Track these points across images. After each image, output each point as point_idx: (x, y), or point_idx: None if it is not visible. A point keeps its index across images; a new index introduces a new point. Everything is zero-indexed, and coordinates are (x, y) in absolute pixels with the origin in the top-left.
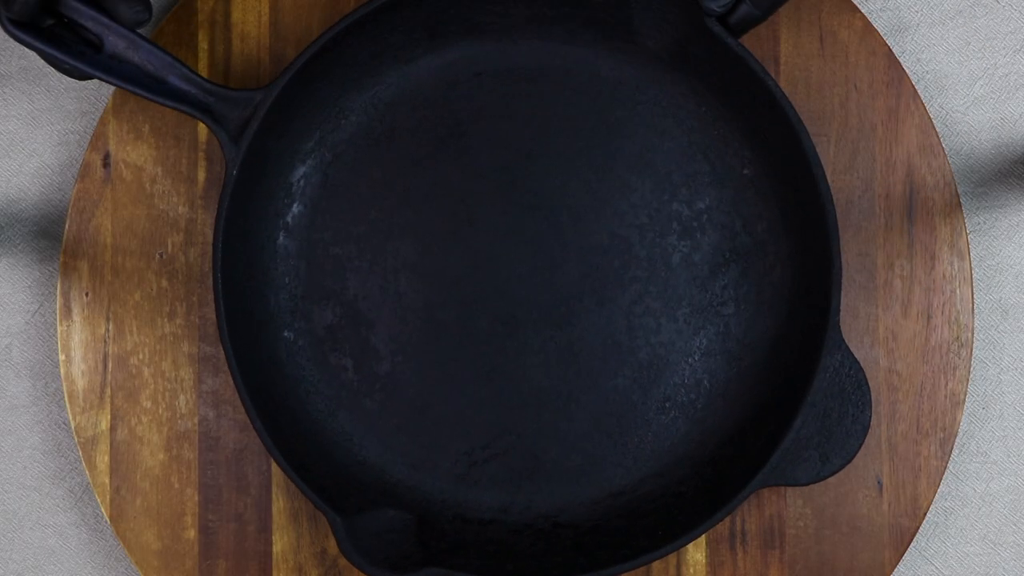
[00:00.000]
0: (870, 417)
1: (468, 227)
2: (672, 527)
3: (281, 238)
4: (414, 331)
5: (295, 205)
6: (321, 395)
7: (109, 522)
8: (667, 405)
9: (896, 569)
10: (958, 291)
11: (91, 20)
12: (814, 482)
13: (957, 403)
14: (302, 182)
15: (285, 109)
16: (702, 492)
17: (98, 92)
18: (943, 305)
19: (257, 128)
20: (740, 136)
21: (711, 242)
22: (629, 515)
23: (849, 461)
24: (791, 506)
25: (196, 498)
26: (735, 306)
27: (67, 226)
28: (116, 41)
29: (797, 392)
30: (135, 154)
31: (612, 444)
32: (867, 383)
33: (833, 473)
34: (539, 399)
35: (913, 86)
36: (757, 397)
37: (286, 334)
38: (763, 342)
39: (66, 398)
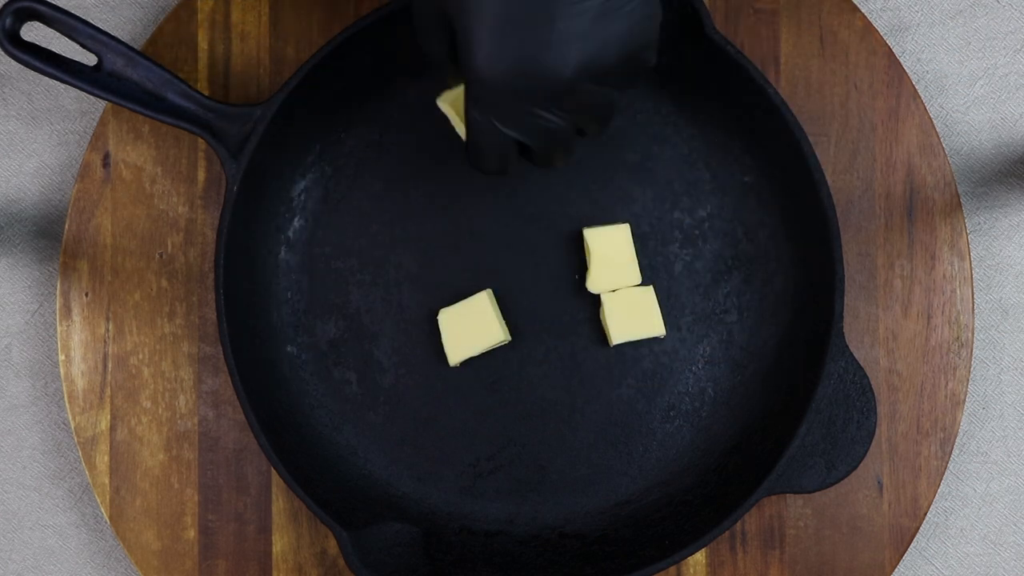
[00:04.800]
0: (875, 423)
1: (469, 239)
2: (679, 536)
3: (283, 253)
4: (417, 343)
5: (296, 219)
6: (326, 409)
7: (109, 522)
8: (671, 414)
9: (896, 569)
10: (958, 291)
11: (89, 37)
12: (820, 489)
13: (957, 403)
14: (303, 196)
15: (284, 124)
16: (708, 500)
17: None
18: (943, 305)
19: (257, 143)
20: (740, 143)
21: (713, 250)
22: (635, 524)
23: (855, 468)
24: (791, 506)
25: (196, 498)
26: (738, 314)
27: (67, 226)
28: (114, 59)
29: (802, 399)
30: (135, 154)
31: (617, 454)
32: (871, 389)
33: (839, 480)
34: (543, 409)
35: (913, 86)
36: (762, 405)
37: (289, 349)
38: (767, 349)
39: (66, 398)
